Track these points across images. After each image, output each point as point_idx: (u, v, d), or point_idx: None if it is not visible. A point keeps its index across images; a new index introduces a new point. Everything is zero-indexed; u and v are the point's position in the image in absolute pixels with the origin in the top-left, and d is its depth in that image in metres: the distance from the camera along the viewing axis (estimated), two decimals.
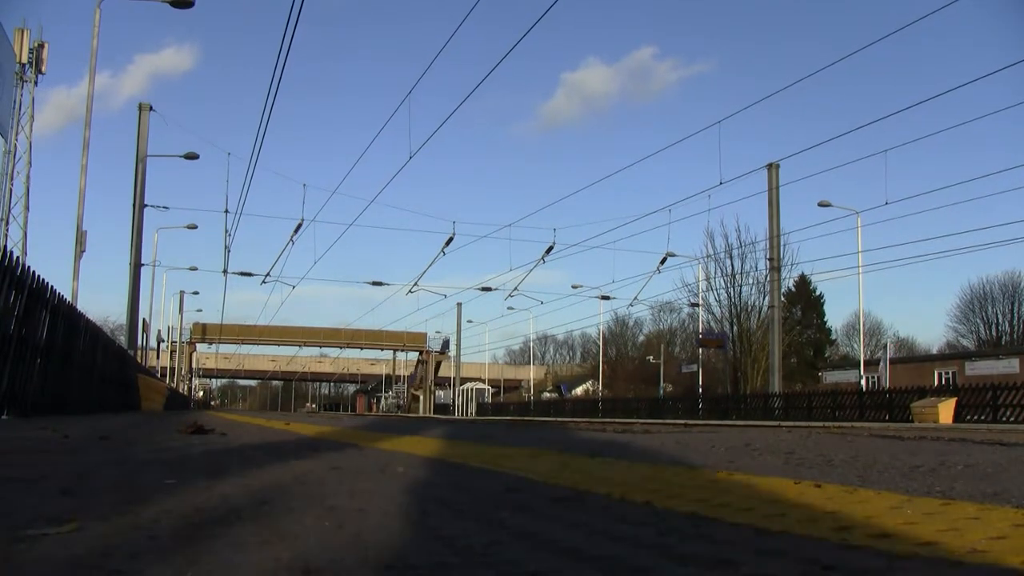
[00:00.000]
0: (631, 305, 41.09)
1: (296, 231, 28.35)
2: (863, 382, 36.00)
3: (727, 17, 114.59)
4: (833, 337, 59.95)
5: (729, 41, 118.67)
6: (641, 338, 76.59)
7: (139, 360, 29.04)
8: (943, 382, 38.37)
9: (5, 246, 10.27)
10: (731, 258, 46.57)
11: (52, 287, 11.10)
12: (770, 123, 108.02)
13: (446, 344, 69.35)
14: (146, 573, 1.46)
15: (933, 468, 3.60)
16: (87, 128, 21.97)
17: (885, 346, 38.08)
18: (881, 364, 35.21)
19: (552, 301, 58.86)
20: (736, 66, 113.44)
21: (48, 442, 5.19)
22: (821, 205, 33.50)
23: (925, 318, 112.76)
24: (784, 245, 32.38)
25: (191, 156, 28.76)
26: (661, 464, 3.83)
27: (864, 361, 39.06)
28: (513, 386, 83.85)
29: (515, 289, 37.63)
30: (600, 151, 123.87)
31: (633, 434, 8.28)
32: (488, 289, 41.51)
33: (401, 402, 78.41)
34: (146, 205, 26.75)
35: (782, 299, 35.12)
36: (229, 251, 30.41)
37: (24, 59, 27.09)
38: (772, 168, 29.50)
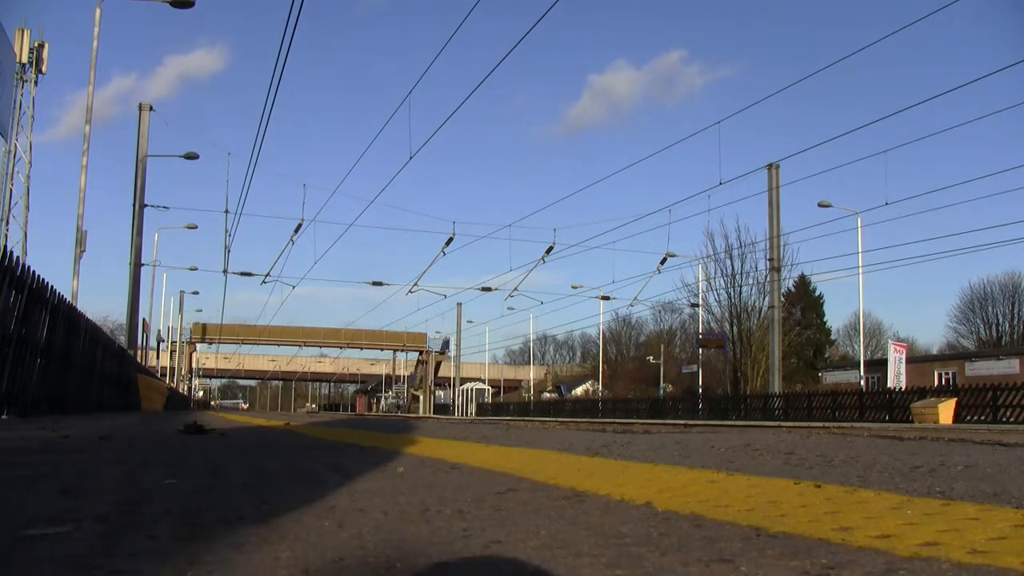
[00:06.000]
0: (631, 305, 41.18)
1: (296, 231, 28.41)
2: (863, 382, 35.98)
3: (754, 20, 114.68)
4: (833, 337, 59.93)
5: (754, 44, 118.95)
6: (641, 338, 76.62)
7: (139, 360, 29.04)
8: (943, 382, 38.29)
9: (5, 246, 10.27)
10: (731, 258, 46.58)
11: (52, 287, 11.11)
12: (770, 123, 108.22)
13: (446, 344, 69.38)
14: (146, 573, 1.46)
15: (933, 469, 3.60)
16: (87, 126, 22.01)
17: (889, 345, 37.80)
18: (899, 364, 34.91)
19: (552, 301, 58.89)
20: (760, 69, 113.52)
21: (48, 442, 5.19)
22: (821, 205, 33.48)
23: (925, 318, 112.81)
24: (784, 245, 32.39)
25: (191, 156, 28.77)
26: (661, 464, 3.83)
27: (864, 361, 39.03)
28: (513, 386, 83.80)
29: (515, 289, 37.68)
30: (619, 154, 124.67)
31: (633, 434, 8.28)
32: (488, 289, 41.53)
33: (401, 402, 78.37)
34: (146, 205, 26.78)
35: (782, 299, 35.09)
36: (229, 251, 30.46)
37: (24, 59, 27.09)
38: (772, 168, 29.50)
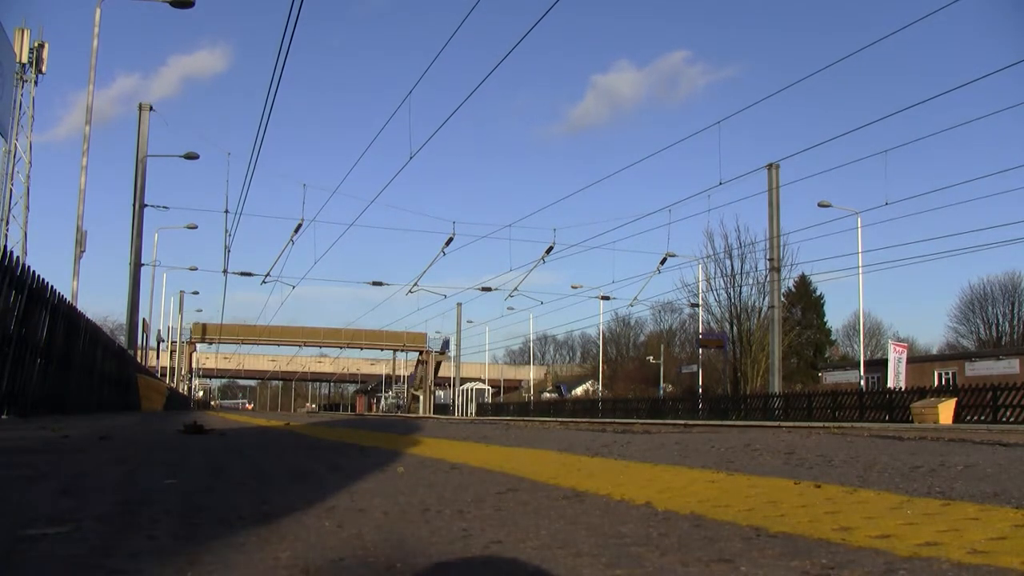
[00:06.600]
0: (631, 305, 41.19)
1: (296, 231, 28.43)
2: (863, 382, 35.96)
3: (757, 21, 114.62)
4: (833, 337, 59.93)
5: (757, 44, 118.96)
6: (641, 338, 76.66)
7: (139, 360, 29.04)
8: (943, 382, 38.26)
9: (5, 246, 10.26)
10: (731, 258, 46.60)
11: (52, 287, 11.11)
12: (770, 123, 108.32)
13: (446, 344, 69.38)
14: (146, 573, 1.46)
15: (933, 469, 3.60)
16: (87, 127, 22.02)
17: (889, 345, 37.71)
18: (899, 364, 34.82)
19: (552, 301, 58.91)
20: (762, 69, 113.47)
21: (48, 442, 5.19)
22: (821, 205, 33.47)
23: (925, 318, 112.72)
24: (784, 245, 32.34)
25: (191, 156, 28.78)
26: (661, 464, 3.83)
27: (864, 361, 39.01)
28: (513, 386, 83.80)
29: (515, 289, 37.69)
30: (620, 154, 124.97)
31: (633, 434, 8.28)
32: (488, 289, 41.53)
33: (401, 402, 78.37)
34: (146, 205, 26.79)
35: (782, 299, 35.08)
36: (229, 251, 30.46)
37: (24, 59, 27.07)
38: (772, 168, 29.50)
